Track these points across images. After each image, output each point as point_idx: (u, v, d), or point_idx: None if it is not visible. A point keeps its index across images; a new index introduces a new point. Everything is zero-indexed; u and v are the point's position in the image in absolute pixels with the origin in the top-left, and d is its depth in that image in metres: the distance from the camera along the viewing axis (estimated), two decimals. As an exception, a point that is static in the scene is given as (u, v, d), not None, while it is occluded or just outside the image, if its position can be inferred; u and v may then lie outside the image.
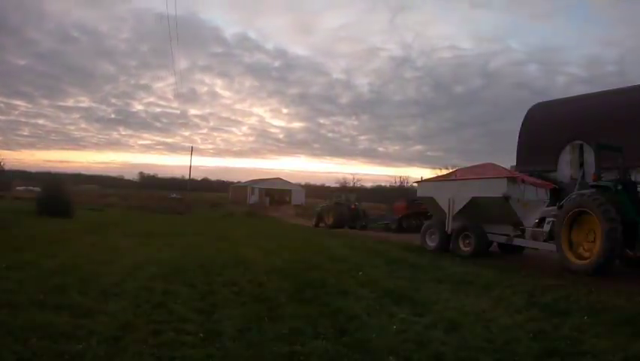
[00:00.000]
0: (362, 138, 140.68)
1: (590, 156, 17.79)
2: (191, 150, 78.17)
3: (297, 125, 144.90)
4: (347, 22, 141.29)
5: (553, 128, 21.88)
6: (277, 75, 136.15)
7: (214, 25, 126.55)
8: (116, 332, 4.57)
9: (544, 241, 11.11)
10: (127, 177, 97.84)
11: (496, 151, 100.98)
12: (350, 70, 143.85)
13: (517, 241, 12.04)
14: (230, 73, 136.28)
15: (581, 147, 20.72)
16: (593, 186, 9.99)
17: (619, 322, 5.53)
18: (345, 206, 28.53)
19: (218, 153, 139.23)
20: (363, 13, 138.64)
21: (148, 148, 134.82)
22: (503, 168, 14.07)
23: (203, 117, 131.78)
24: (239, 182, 77.07)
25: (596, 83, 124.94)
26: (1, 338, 4.19)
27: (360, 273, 8.82)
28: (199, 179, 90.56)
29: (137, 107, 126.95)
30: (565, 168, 21.36)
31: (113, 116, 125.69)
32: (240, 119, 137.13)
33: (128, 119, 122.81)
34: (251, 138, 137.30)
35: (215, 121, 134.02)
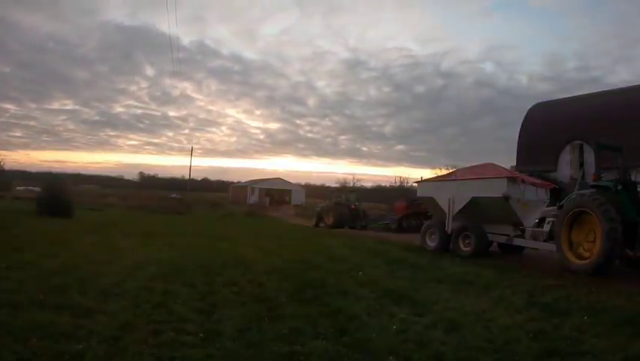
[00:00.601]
0: (342, 137, 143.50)
1: (590, 156, 17.81)
2: (191, 150, 78.44)
3: (274, 125, 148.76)
4: (286, 27, 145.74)
5: (553, 128, 21.90)
6: (240, 79, 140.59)
7: (162, 34, 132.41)
8: (116, 332, 4.57)
9: (544, 241, 11.11)
10: (127, 177, 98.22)
11: (481, 151, 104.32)
12: (306, 72, 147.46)
13: (517, 241, 12.04)
14: (195, 77, 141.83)
15: (581, 147, 20.75)
16: (593, 186, 9.99)
17: (619, 322, 5.53)
18: (345, 206, 28.52)
19: (206, 153, 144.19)
20: (298, 19, 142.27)
21: (137, 148, 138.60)
22: (503, 168, 14.07)
23: (182, 118, 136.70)
24: (239, 182, 77.14)
25: (558, 80, 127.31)
26: (1, 338, 4.19)
27: (360, 273, 8.82)
28: (199, 179, 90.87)
29: (118, 109, 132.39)
30: (565, 168, 21.38)
31: (97, 118, 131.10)
32: (217, 120, 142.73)
33: (112, 121, 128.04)
34: (233, 139, 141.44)
35: (195, 122, 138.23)
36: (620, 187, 9.53)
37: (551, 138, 21.77)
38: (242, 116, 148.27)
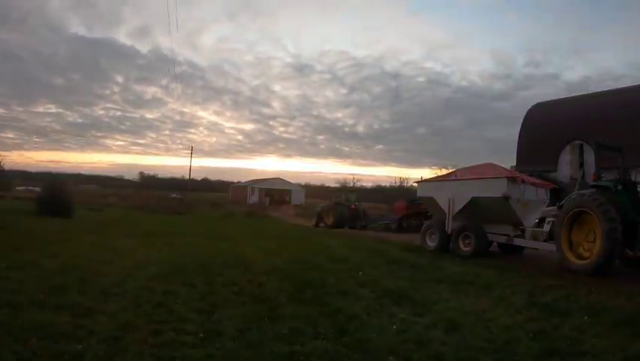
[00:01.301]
0: (320, 137, 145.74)
1: (590, 156, 17.81)
2: (191, 150, 77.91)
3: (248, 126, 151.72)
4: (223, 36, 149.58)
5: (554, 128, 21.90)
6: (202, 84, 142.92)
7: (130, 44, 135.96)
8: (116, 332, 4.57)
9: (544, 241, 11.11)
10: (127, 177, 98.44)
11: (460, 150, 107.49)
12: (259, 76, 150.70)
13: (517, 241, 12.04)
14: (161, 82, 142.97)
15: (581, 147, 20.75)
16: (593, 186, 9.99)
17: (619, 322, 5.53)
18: (345, 206, 28.52)
19: (196, 153, 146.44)
20: (231, 28, 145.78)
21: (125, 148, 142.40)
22: (503, 168, 14.07)
23: (160, 120, 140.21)
24: (239, 182, 77.11)
25: (512, 77, 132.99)
26: (1, 338, 4.19)
27: (360, 273, 8.82)
28: (199, 179, 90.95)
29: (99, 112, 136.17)
30: (565, 168, 21.38)
31: (80, 120, 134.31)
32: (192, 121, 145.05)
33: (95, 123, 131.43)
34: (213, 139, 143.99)
35: (173, 123, 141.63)
36: (620, 187, 9.54)
37: (551, 138, 21.78)
38: (214, 118, 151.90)
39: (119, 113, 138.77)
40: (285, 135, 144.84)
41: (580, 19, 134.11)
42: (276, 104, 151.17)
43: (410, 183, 53.75)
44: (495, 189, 12.03)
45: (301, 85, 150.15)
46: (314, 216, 30.55)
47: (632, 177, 10.89)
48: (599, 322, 5.56)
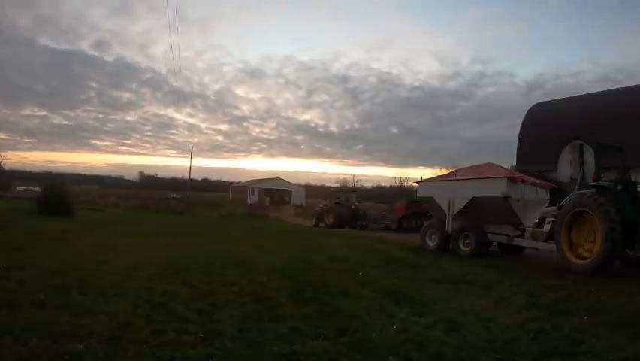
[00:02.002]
0: (299, 138, 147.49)
1: (590, 156, 17.81)
2: (191, 150, 78.01)
3: (224, 126, 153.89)
4: (168, 47, 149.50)
5: (554, 128, 21.89)
6: (168, 88, 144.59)
7: (90, 55, 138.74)
8: (116, 332, 4.57)
9: (544, 241, 11.11)
10: (127, 177, 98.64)
11: (437, 150, 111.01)
12: (217, 81, 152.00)
13: (517, 241, 12.04)
14: (131, 88, 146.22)
15: (581, 147, 20.74)
16: (593, 186, 9.99)
17: (619, 322, 5.53)
18: (345, 206, 28.50)
19: (179, 153, 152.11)
20: (165, 37, 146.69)
21: (113, 149, 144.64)
22: (503, 167, 14.07)
23: (138, 122, 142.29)
24: (239, 182, 77.07)
25: (461, 75, 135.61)
26: (1, 338, 4.19)
27: (360, 273, 8.82)
28: (199, 179, 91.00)
29: (81, 114, 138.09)
30: (565, 168, 21.37)
31: (65, 122, 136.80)
32: (169, 122, 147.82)
33: (81, 125, 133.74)
34: (194, 139, 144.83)
35: (152, 125, 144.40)
36: (620, 187, 9.53)
37: (551, 138, 21.76)
38: (190, 120, 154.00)
39: (101, 115, 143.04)
40: (262, 136, 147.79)
41: (523, 13, 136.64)
42: (244, 107, 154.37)
43: (410, 183, 53.73)
44: (495, 189, 12.04)
45: (259, 89, 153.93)
46: (314, 216, 30.53)
47: (632, 177, 10.86)
48: (599, 322, 5.56)
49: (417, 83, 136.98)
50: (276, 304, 6.08)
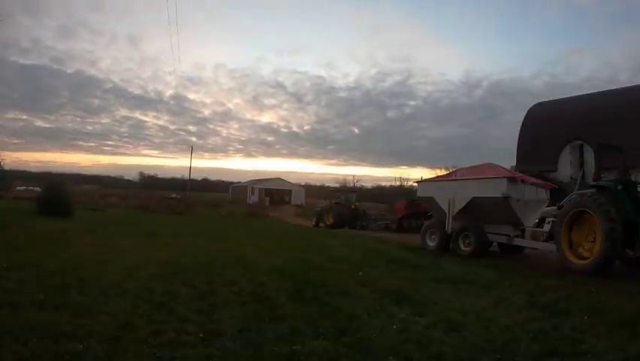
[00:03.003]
0: (270, 139, 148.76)
1: (590, 156, 17.79)
2: (191, 150, 77.93)
3: (191, 127, 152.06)
4: (118, 59, 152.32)
5: (554, 128, 21.87)
6: (127, 93, 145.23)
7: (56, 68, 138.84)
8: (116, 332, 4.57)
9: (544, 241, 11.11)
10: (127, 177, 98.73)
11: (404, 150, 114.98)
12: (166, 88, 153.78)
13: (517, 241, 12.04)
14: (95, 94, 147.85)
15: (581, 147, 20.72)
16: (593, 186, 9.99)
17: (619, 322, 5.53)
18: (345, 206, 28.51)
19: (162, 153, 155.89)
20: (104, 47, 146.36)
21: (97, 150, 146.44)
22: (503, 167, 14.07)
23: (112, 124, 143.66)
24: (239, 182, 77.07)
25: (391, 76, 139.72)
26: (1, 338, 4.19)
27: (360, 273, 8.82)
28: (199, 179, 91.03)
29: (59, 117, 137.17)
30: (565, 168, 21.36)
31: (47, 125, 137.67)
32: (140, 124, 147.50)
33: (62, 127, 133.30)
34: (170, 140, 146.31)
35: (126, 127, 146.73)
36: (620, 187, 9.53)
37: (551, 138, 21.75)
38: (158, 122, 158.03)
39: (78, 119, 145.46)
40: (234, 136, 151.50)
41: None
42: (206, 111, 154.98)
43: (410, 183, 53.69)
44: (495, 189, 12.04)
45: (208, 94, 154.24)
46: (314, 216, 30.52)
47: (632, 177, 10.87)
48: (599, 322, 5.56)
49: (351, 85, 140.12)
50: (276, 304, 6.08)
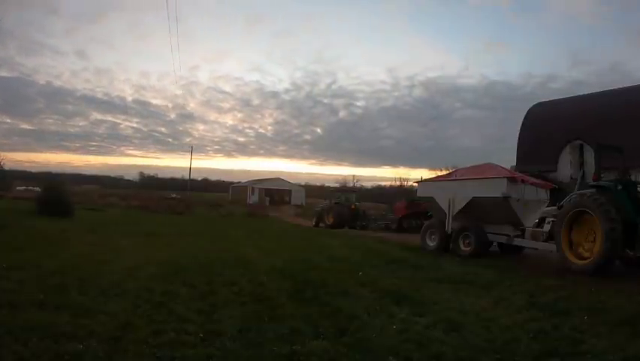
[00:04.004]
0: (241, 139, 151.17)
1: (590, 156, 17.79)
2: (191, 150, 78.02)
3: (162, 129, 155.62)
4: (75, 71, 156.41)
5: (554, 128, 21.87)
6: (96, 99, 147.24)
7: (30, 79, 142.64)
8: (116, 332, 4.57)
9: (544, 241, 11.11)
10: (127, 177, 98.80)
11: (372, 150, 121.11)
12: (127, 94, 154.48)
13: (517, 241, 12.04)
14: (70, 101, 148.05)
15: (581, 147, 20.73)
16: (593, 186, 9.99)
17: (619, 322, 5.53)
18: (345, 206, 28.50)
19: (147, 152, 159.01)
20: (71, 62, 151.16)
21: (83, 150, 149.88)
22: (503, 167, 14.08)
23: (90, 126, 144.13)
24: (239, 182, 77.08)
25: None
26: (1, 338, 4.19)
27: (360, 273, 8.82)
28: (199, 179, 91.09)
29: (40, 120, 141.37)
30: (565, 168, 21.36)
31: (29, 127, 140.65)
32: (115, 127, 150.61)
33: (44, 129, 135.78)
34: (148, 141, 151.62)
35: (104, 129, 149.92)
36: (620, 187, 9.53)
37: (551, 138, 21.76)
38: (132, 124, 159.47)
39: (59, 122, 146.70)
40: (206, 137, 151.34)
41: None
42: (172, 115, 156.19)
43: (410, 183, 53.70)
44: (495, 189, 12.04)
45: (167, 100, 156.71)
46: (314, 216, 30.52)
47: (632, 177, 10.86)
48: (599, 322, 5.56)
49: (289, 87, 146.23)
50: (276, 304, 6.08)
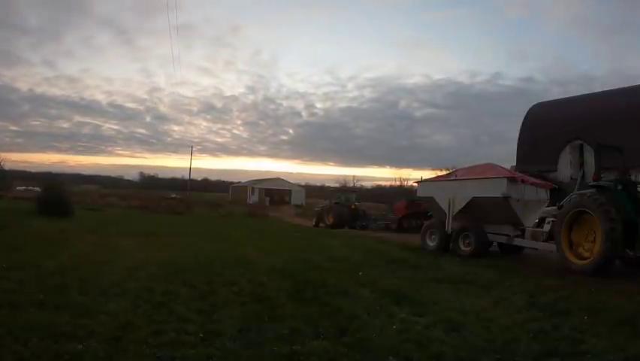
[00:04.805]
0: (219, 140, 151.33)
1: (590, 156, 17.78)
2: (191, 150, 78.07)
3: (139, 130, 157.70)
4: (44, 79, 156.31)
5: (553, 128, 21.87)
6: (83, 102, 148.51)
7: (12, 87, 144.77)
8: (116, 332, 4.57)
9: (544, 241, 11.11)
10: (126, 177, 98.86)
11: (357, 149, 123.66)
12: (104, 97, 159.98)
13: (517, 241, 12.04)
14: (53, 105, 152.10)
15: (581, 147, 20.72)
16: (593, 186, 9.98)
17: (619, 322, 5.53)
18: (345, 206, 28.51)
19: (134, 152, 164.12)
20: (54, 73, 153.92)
21: (73, 150, 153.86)
22: (503, 167, 14.08)
23: (77, 128, 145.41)
24: (239, 182, 77.10)
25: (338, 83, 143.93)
26: (1, 338, 4.19)
27: (360, 273, 8.83)
28: (199, 179, 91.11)
29: (27, 122, 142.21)
30: (565, 168, 21.36)
31: (17, 128, 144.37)
32: (99, 129, 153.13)
33: (30, 130, 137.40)
34: (131, 141, 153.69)
35: (88, 129, 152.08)
36: (620, 187, 9.53)
37: (551, 138, 21.75)
38: (113, 126, 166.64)
39: (46, 124, 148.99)
40: (186, 137, 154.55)
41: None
42: (147, 118, 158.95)
43: (410, 183, 53.69)
44: (495, 189, 12.04)
45: (141, 105, 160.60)
46: (314, 216, 30.53)
47: (632, 177, 10.86)
48: (599, 322, 5.56)
49: (244, 90, 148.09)
50: (276, 304, 6.08)
